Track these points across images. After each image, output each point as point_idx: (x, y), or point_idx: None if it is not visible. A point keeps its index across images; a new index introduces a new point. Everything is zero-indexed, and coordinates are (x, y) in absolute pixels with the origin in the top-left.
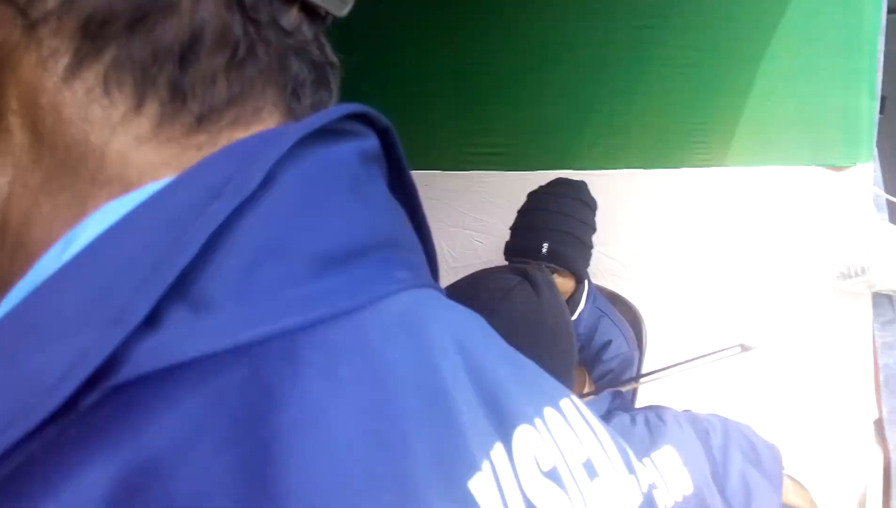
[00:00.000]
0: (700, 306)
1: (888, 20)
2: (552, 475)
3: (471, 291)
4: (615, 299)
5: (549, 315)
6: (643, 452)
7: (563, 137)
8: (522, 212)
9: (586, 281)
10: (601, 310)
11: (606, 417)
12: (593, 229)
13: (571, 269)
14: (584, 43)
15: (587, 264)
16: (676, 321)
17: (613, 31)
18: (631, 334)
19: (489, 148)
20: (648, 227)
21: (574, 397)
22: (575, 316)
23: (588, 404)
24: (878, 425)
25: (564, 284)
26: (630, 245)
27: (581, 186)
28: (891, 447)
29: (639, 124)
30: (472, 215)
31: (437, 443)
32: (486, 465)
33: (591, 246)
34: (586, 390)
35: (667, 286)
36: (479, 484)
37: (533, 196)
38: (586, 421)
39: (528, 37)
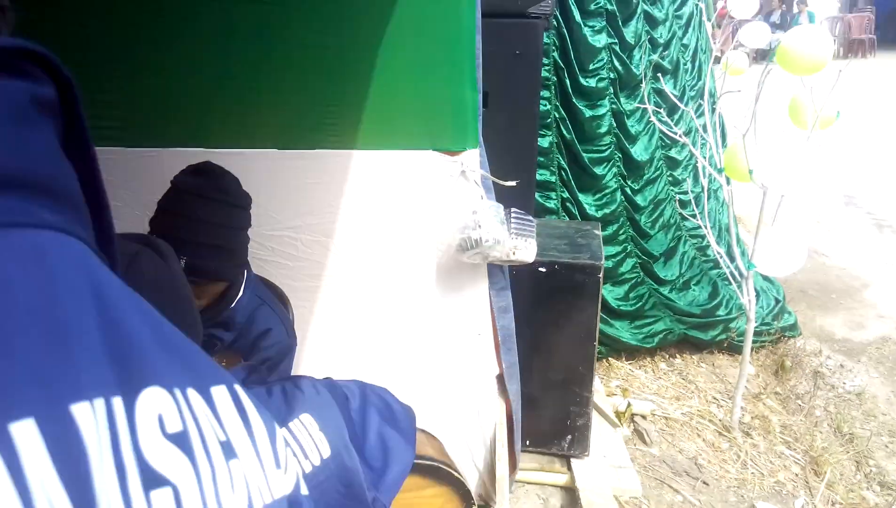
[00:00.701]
0: (341, 284)
1: (483, 23)
2: (178, 439)
3: None
4: (264, 283)
5: (179, 283)
6: (280, 421)
7: (191, 111)
8: (162, 210)
9: (245, 269)
10: (261, 298)
11: None
12: (244, 229)
13: (216, 278)
14: (207, 14)
15: (239, 262)
16: (320, 301)
17: (235, 5)
18: (290, 322)
19: (108, 122)
20: (289, 205)
21: (238, 387)
22: (233, 304)
23: None
24: (500, 379)
25: (213, 288)
26: (271, 225)
27: (230, 185)
28: (511, 398)
29: (271, 103)
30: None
31: (40, 362)
32: (98, 403)
33: (243, 242)
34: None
35: (310, 268)
36: (83, 412)
37: (175, 195)
38: (240, 412)
39: (149, 2)
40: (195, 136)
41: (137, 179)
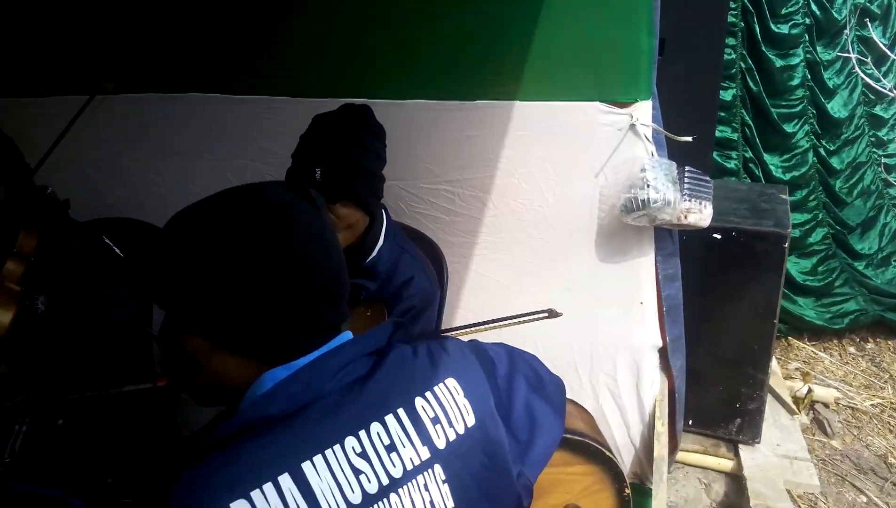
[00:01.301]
0: (497, 241)
1: None
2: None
3: (243, 205)
4: (415, 236)
5: (329, 234)
6: (425, 385)
7: (355, 62)
8: (302, 136)
9: (384, 216)
10: (402, 247)
11: (386, 349)
12: (380, 159)
13: (352, 198)
14: None
15: (376, 196)
16: (476, 257)
17: None
18: (432, 271)
19: (276, 71)
20: (447, 161)
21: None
22: (374, 253)
23: (370, 334)
24: (662, 353)
25: (350, 215)
26: (428, 179)
27: (365, 111)
28: (675, 373)
29: (431, 53)
30: (258, 144)
31: None
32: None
33: (379, 177)
34: (385, 319)
35: (466, 223)
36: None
37: (314, 119)
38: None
39: None
40: (359, 86)
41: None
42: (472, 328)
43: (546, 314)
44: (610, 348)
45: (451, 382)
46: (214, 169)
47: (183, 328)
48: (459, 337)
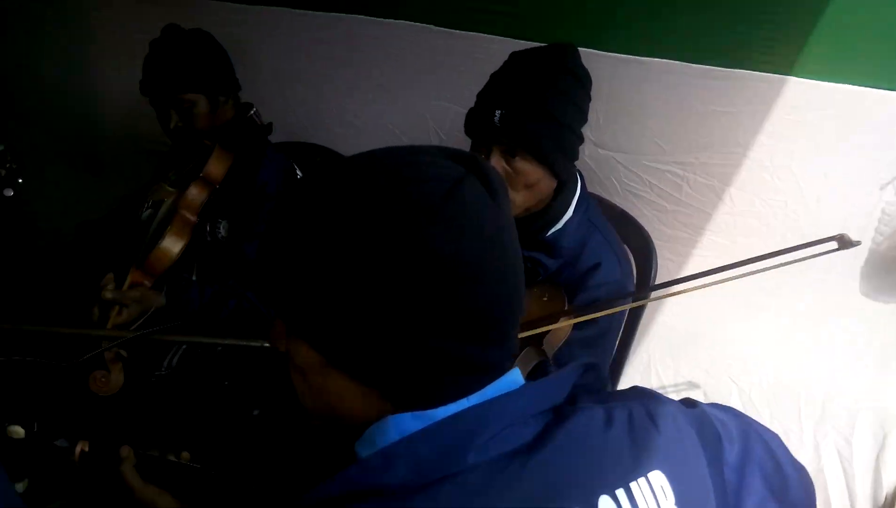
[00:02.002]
0: (725, 246)
1: None
2: None
3: (395, 177)
4: (624, 220)
5: (505, 223)
6: (618, 478)
7: (590, 8)
8: (493, 74)
9: (578, 182)
10: (594, 224)
11: (566, 408)
12: (579, 110)
13: (534, 151)
14: None
15: (566, 155)
16: (694, 258)
17: None
18: (630, 262)
19: (497, 7)
20: (682, 138)
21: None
22: (560, 225)
23: (547, 381)
24: None
25: (531, 172)
26: (654, 156)
27: (569, 51)
28: None
29: (686, 5)
30: (470, 88)
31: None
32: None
33: (576, 133)
34: (564, 319)
35: (691, 216)
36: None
37: (511, 55)
38: None
39: None
40: (591, 36)
41: None
42: (725, 273)
43: (835, 245)
44: (850, 402)
45: (658, 477)
46: (413, 108)
47: (291, 329)
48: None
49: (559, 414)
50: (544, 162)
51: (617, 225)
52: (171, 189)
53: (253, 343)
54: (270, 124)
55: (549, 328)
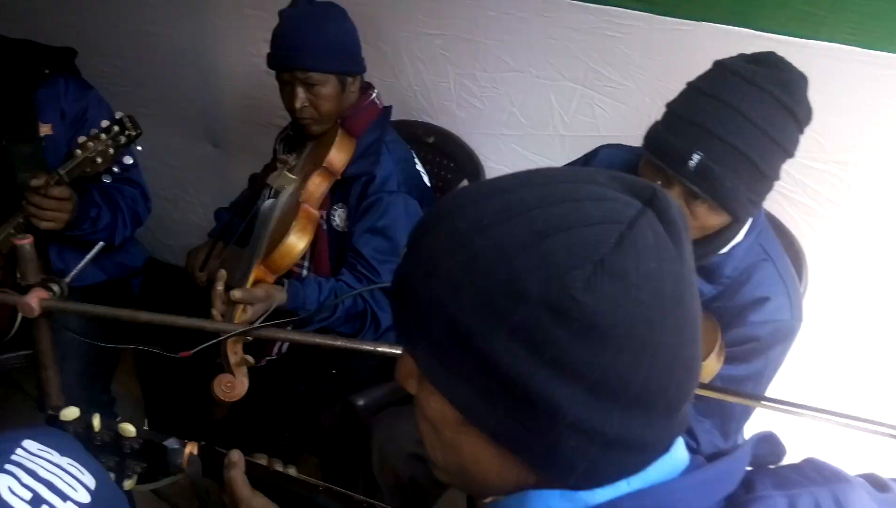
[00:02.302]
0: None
1: None
2: None
3: (555, 210)
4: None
5: (689, 289)
6: None
7: None
8: (692, 88)
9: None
10: (766, 252)
11: (742, 498)
12: (790, 153)
13: (728, 207)
14: None
15: (761, 199)
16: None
17: None
18: (799, 296)
19: None
20: (846, 133)
21: None
22: (726, 249)
23: (720, 465)
24: None
25: (712, 218)
26: (811, 153)
27: (798, 82)
28: None
29: None
30: (598, 69)
31: None
32: None
33: (773, 179)
34: (714, 354)
35: (845, 224)
36: None
37: (718, 74)
38: None
39: None
40: (741, 12)
41: (659, 56)
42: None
43: None
44: None
45: None
46: (536, 87)
47: (425, 374)
48: None
49: (734, 506)
50: (732, 214)
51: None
52: (292, 177)
53: (383, 350)
54: (390, 108)
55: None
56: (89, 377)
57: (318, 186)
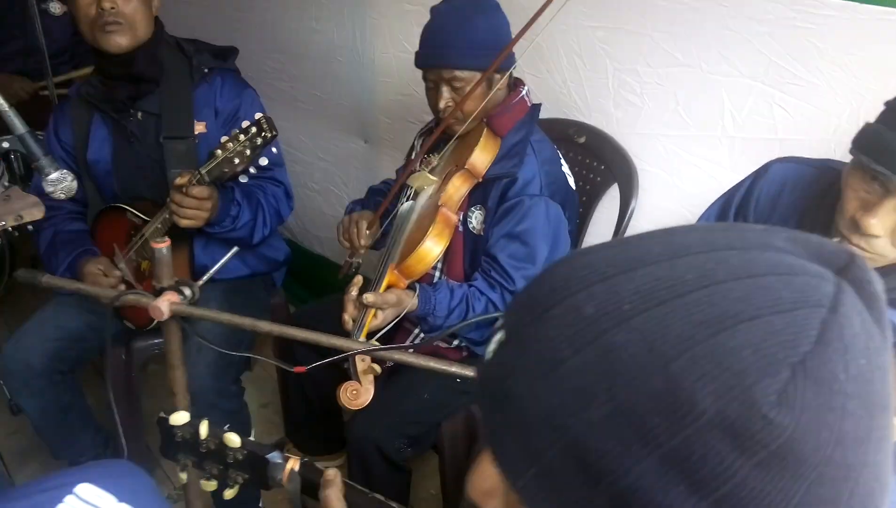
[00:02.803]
0: None
1: None
2: None
3: (730, 291)
4: None
5: (890, 374)
6: None
7: None
8: None
9: None
10: None
11: None
12: None
13: None
14: None
15: None
16: None
17: None
18: None
19: None
20: None
21: None
22: None
23: None
24: None
25: None
26: None
27: None
28: None
29: None
30: (782, 64)
31: None
32: None
33: None
34: None
35: None
36: None
37: None
38: None
39: None
40: None
41: (860, 51)
42: None
43: None
44: None
45: None
46: (706, 83)
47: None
48: None
49: None
50: None
51: None
52: (432, 178)
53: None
54: (539, 105)
55: None
56: (221, 367)
57: (458, 188)
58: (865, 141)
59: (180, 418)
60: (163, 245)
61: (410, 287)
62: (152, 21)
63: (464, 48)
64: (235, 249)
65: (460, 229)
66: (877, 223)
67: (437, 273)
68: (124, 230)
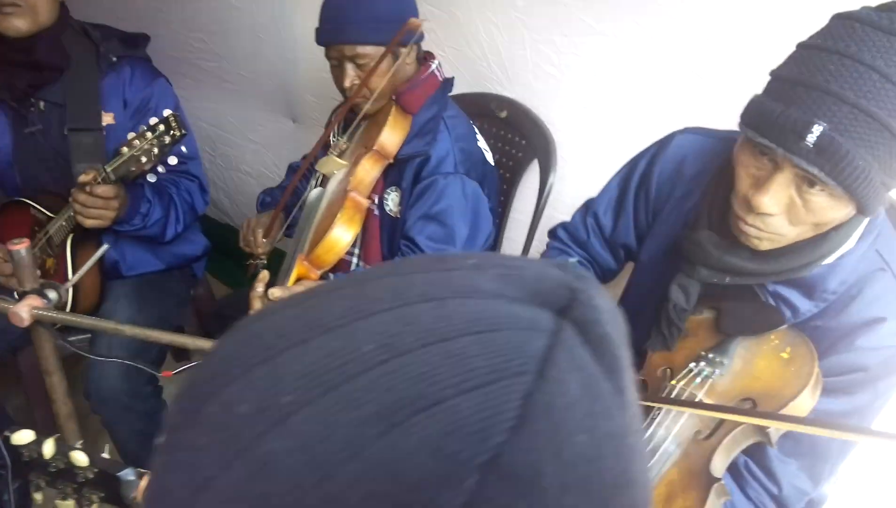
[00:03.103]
0: None
1: None
2: None
3: (396, 378)
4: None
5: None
6: None
7: None
8: (806, 47)
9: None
10: (883, 259)
11: None
12: None
13: (856, 193)
14: None
15: (886, 195)
16: None
17: None
18: None
19: None
20: None
21: None
22: (833, 258)
23: None
24: None
25: (832, 212)
26: None
27: None
28: None
29: None
30: (698, 31)
31: None
32: None
33: None
34: (809, 388)
35: None
36: None
37: (841, 25)
38: None
39: None
40: None
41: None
42: None
43: None
44: None
45: None
46: (621, 52)
47: None
48: None
49: None
50: (859, 203)
51: None
52: (341, 162)
53: None
54: (451, 80)
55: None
56: (132, 368)
57: (368, 172)
58: (751, 114)
59: (23, 437)
60: (21, 246)
61: (326, 278)
62: (56, 4)
63: (364, 22)
64: (105, 247)
65: (376, 212)
66: (769, 201)
67: (355, 260)
68: (27, 226)
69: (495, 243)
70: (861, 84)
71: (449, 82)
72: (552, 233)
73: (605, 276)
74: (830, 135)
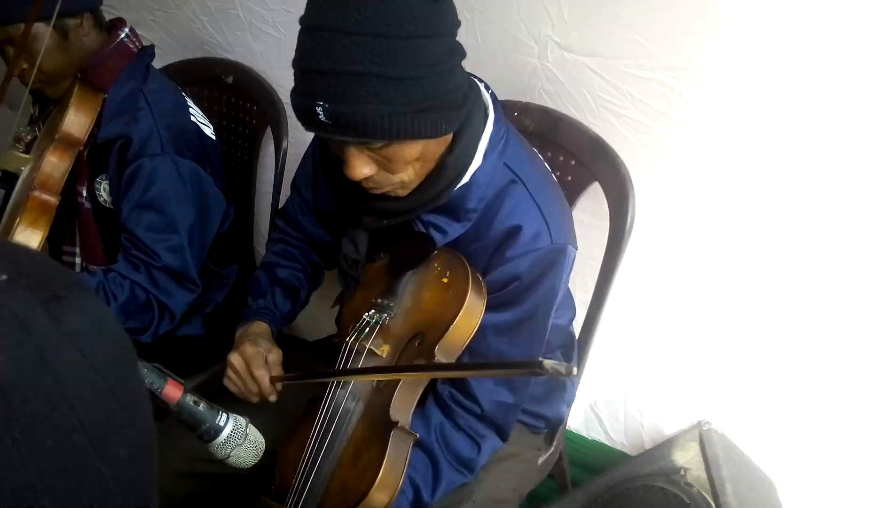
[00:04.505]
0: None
1: None
2: None
3: None
4: (596, 149)
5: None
6: None
7: None
8: (299, 33)
9: (490, 114)
10: (512, 171)
11: None
12: (437, 36)
13: (390, 135)
14: None
15: (442, 109)
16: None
17: None
18: (560, 216)
19: None
20: (673, 36)
21: None
22: (466, 178)
23: None
24: None
25: (404, 150)
26: (637, 60)
27: None
28: None
29: None
30: None
31: None
32: None
33: (436, 74)
34: (467, 300)
35: (680, 137)
36: None
37: (309, 2)
38: None
39: None
40: None
41: None
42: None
43: None
44: None
45: None
46: None
47: None
48: None
49: None
50: (409, 136)
51: (589, 156)
52: (24, 156)
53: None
54: (150, 48)
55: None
56: None
57: (56, 165)
58: (295, 110)
59: None
60: None
61: None
62: None
63: None
64: None
65: (87, 205)
66: (356, 171)
67: (78, 259)
68: None
69: (244, 220)
70: (331, 51)
71: (147, 51)
72: (272, 223)
73: (330, 253)
74: (333, 108)
